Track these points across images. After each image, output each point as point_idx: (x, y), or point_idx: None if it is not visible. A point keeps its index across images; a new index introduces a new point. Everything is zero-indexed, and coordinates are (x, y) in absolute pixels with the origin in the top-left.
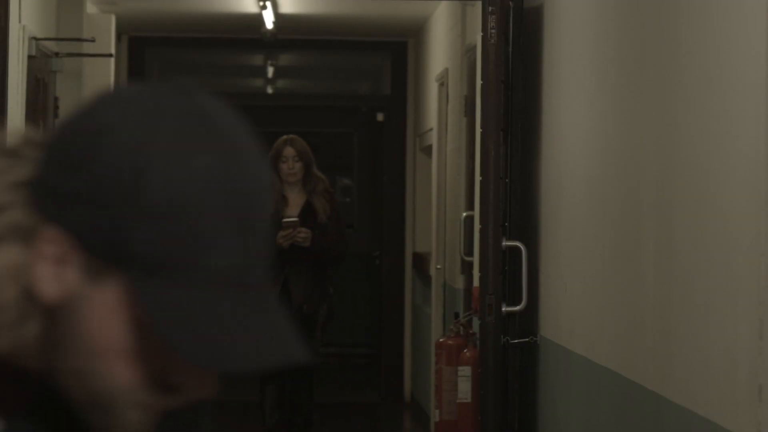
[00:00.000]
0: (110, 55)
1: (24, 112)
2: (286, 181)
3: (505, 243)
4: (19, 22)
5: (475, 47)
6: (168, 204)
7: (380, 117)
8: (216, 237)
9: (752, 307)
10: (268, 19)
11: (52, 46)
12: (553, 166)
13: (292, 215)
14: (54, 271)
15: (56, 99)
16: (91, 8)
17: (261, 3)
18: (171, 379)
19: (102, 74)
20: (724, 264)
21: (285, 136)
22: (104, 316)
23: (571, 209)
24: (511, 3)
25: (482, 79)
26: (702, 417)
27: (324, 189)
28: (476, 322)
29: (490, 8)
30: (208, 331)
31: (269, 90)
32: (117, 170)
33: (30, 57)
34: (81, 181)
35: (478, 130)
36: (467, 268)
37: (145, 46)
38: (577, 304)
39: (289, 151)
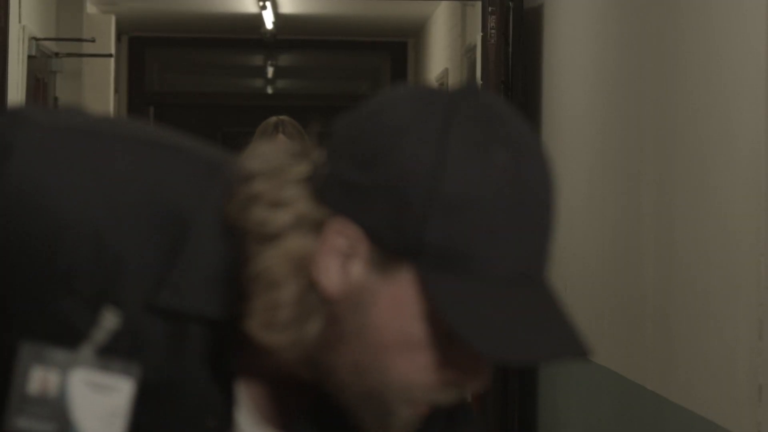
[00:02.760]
0: (110, 56)
1: None
2: None
3: None
4: (19, 22)
5: (475, 47)
6: (464, 197)
7: None
8: (509, 233)
9: (752, 307)
10: (268, 20)
11: (52, 46)
12: (553, 165)
13: None
14: (340, 263)
15: (56, 99)
16: (91, 8)
17: (261, 3)
18: (448, 374)
19: (102, 74)
20: (724, 264)
21: (275, 118)
22: (393, 309)
23: (571, 209)
24: (511, 3)
25: (482, 79)
26: (702, 417)
27: None
28: None
29: (490, 8)
30: (497, 323)
31: (269, 90)
32: (416, 163)
33: (30, 57)
34: (377, 174)
35: None
36: None
37: (145, 46)
38: (577, 304)
39: (280, 141)
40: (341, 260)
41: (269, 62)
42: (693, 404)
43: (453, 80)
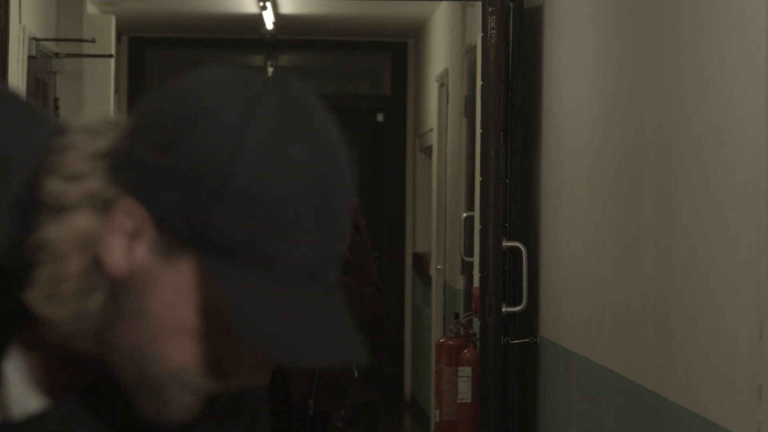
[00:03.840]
0: (110, 56)
1: None
2: None
3: (505, 243)
4: (20, 22)
5: (475, 47)
6: (256, 192)
7: (380, 117)
8: (299, 232)
9: (752, 307)
10: (268, 20)
11: (52, 46)
12: (553, 166)
13: None
14: (126, 244)
15: (56, 99)
16: (91, 8)
17: (261, 3)
18: (224, 364)
19: (102, 75)
20: (724, 264)
21: None
22: (172, 295)
23: (571, 209)
24: (511, 3)
25: (482, 80)
26: (702, 417)
27: None
28: (476, 323)
29: (490, 8)
30: (275, 322)
31: None
32: (211, 153)
33: (30, 57)
34: (171, 158)
35: (478, 131)
36: (467, 268)
37: (145, 46)
38: (577, 304)
39: None
40: (127, 241)
41: (269, 62)
42: (693, 404)
43: (453, 80)
